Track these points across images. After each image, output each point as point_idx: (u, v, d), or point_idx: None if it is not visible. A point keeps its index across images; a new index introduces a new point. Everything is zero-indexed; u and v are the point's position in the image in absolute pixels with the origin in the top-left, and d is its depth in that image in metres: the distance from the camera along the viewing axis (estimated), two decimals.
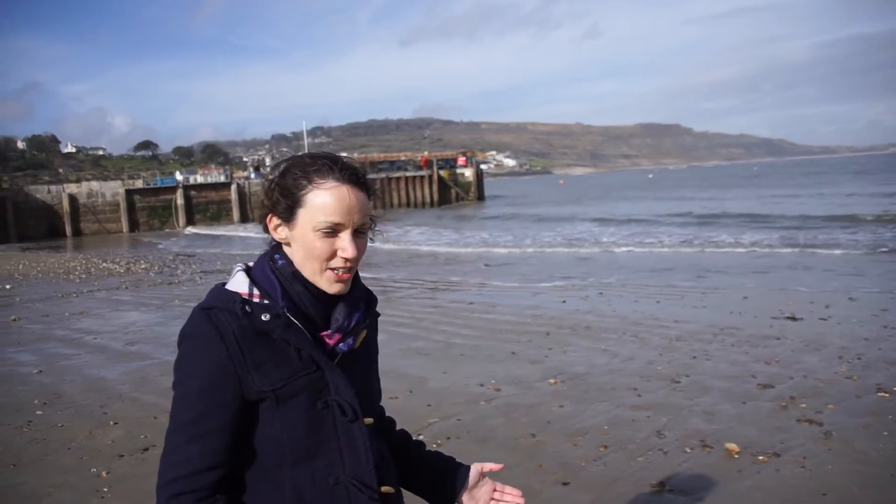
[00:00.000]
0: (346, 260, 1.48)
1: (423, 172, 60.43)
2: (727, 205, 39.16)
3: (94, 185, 55.12)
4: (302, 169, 1.49)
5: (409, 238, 28.78)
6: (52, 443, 5.37)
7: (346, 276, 1.51)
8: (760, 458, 4.46)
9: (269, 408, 1.47)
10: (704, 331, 8.17)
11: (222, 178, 57.80)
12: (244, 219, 53.09)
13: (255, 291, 1.50)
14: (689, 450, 4.68)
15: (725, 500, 3.95)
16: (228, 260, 22.08)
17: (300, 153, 1.57)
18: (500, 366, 7.09)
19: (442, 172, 61.45)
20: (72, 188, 53.14)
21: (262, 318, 1.45)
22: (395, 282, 14.41)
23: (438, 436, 5.15)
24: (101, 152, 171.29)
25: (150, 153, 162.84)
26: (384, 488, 1.55)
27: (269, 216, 1.54)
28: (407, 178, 59.62)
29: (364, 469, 1.51)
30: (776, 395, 5.74)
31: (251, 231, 40.54)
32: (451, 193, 61.38)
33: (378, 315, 1.72)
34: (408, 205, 57.93)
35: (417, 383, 6.59)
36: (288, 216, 1.50)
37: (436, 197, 59.74)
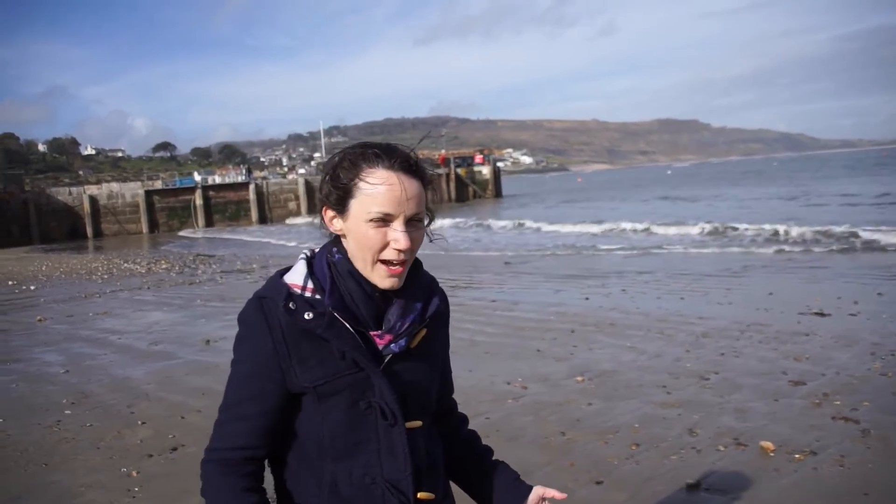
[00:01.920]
0: (399, 251, 1.45)
1: (440, 170, 60.39)
2: (748, 202, 38.83)
3: (115, 186, 55.63)
4: (352, 158, 1.47)
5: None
6: (81, 442, 5.39)
7: (398, 269, 1.48)
8: (797, 456, 4.38)
9: (311, 401, 1.49)
10: (731, 327, 8.06)
11: (240, 179, 58.03)
12: (262, 219, 53.37)
13: (310, 284, 1.50)
14: (722, 448, 4.61)
15: (764, 499, 3.88)
16: (248, 259, 22.14)
17: (354, 142, 1.55)
18: (525, 363, 7.04)
19: (459, 170, 61.40)
20: (92, 190, 53.65)
21: (305, 316, 1.45)
22: None
23: None
24: (119, 154, 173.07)
25: (169, 154, 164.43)
26: (421, 494, 1.54)
27: (324, 208, 1.53)
28: None
29: (401, 474, 1.51)
30: (809, 392, 5.64)
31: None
32: (468, 191, 61.32)
33: (445, 312, 1.67)
34: None
35: None
36: (341, 207, 1.48)
37: (453, 195, 59.72)
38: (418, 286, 1.57)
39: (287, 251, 25.79)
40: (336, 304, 1.47)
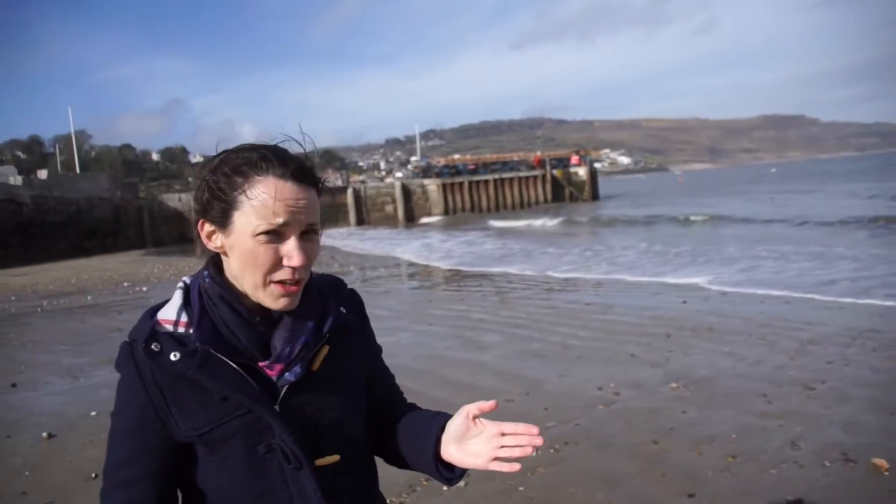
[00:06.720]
0: (294, 270, 1.26)
1: (536, 172, 59.91)
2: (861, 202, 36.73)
3: None
4: (236, 164, 1.25)
5: (522, 236, 28.56)
6: None
7: (293, 288, 1.28)
8: None
9: (203, 451, 1.30)
10: (841, 333, 7.61)
11: (339, 183, 59.47)
12: (360, 222, 54.54)
13: (183, 318, 1.31)
14: (828, 463, 4.33)
15: None
16: (345, 262, 22.58)
17: (236, 145, 1.30)
18: (618, 368, 6.86)
19: (555, 172, 60.77)
20: None
21: (171, 357, 1.25)
22: (509, 282, 14.31)
23: (556, 440, 5.02)
24: None
25: None
26: None
27: (201, 222, 1.30)
28: (520, 178, 59.32)
29: None
30: None
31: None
32: (564, 193, 60.59)
33: (354, 320, 1.46)
34: (521, 205, 57.67)
35: (534, 386, 6.47)
36: (223, 221, 1.26)
37: (549, 196, 59.15)
38: (308, 301, 1.35)
39: (379, 250, 26.08)
40: (207, 337, 1.27)
